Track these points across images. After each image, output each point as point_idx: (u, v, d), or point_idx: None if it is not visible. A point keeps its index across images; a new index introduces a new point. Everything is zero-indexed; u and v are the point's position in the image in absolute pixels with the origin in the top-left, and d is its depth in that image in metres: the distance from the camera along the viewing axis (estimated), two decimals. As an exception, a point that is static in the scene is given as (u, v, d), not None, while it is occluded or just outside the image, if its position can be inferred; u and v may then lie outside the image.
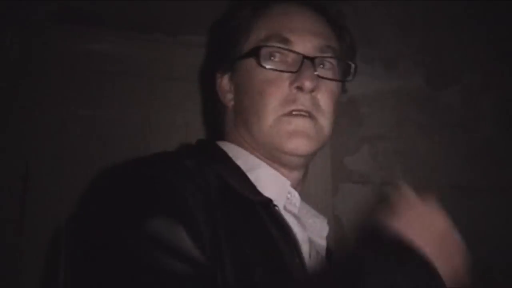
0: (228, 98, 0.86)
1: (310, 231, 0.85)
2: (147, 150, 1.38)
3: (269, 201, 0.77)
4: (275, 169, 0.83)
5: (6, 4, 1.33)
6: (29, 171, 1.36)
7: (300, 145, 0.78)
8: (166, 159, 0.72)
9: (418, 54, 1.79)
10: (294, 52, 0.79)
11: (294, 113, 0.79)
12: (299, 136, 0.78)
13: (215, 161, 0.79)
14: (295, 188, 0.84)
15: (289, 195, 0.82)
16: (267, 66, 0.79)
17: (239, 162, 0.81)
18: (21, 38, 1.35)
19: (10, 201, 1.32)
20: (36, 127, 1.39)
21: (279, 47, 0.79)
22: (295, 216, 0.81)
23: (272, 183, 0.81)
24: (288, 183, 0.82)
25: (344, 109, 1.68)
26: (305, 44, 0.80)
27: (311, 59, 0.79)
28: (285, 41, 0.80)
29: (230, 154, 0.82)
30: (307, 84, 0.77)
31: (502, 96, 1.76)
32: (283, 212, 0.79)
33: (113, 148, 1.44)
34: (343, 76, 0.85)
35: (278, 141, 0.78)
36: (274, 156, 0.82)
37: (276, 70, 0.79)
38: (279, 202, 0.79)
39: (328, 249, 0.89)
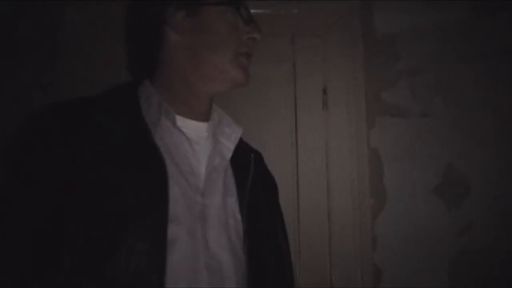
0: (181, 32, 1.01)
1: (223, 137, 1.05)
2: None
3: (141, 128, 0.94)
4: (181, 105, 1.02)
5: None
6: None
7: (248, 76, 1.03)
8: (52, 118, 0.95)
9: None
10: (248, 12, 1.05)
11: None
12: (247, 70, 1.03)
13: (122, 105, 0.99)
14: (204, 112, 1.05)
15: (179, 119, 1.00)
16: (243, 16, 1.02)
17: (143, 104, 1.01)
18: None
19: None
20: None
21: (241, 6, 1.03)
22: (183, 132, 0.98)
23: (155, 110, 0.98)
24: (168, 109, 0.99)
25: (379, 45, 1.74)
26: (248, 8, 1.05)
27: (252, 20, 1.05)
28: (243, 3, 1.03)
29: (143, 96, 1.02)
30: (258, 37, 1.04)
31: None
32: (171, 129, 0.98)
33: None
34: None
35: (234, 70, 1.00)
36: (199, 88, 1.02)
37: (244, 20, 1.02)
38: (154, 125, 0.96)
39: (236, 150, 1.06)
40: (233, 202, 1.00)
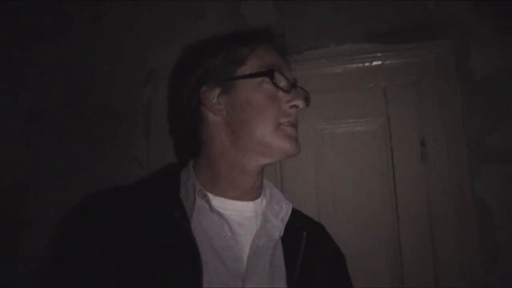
0: (217, 110, 1.01)
1: (272, 215, 1.01)
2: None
3: (171, 210, 0.93)
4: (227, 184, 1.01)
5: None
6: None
7: (296, 147, 0.98)
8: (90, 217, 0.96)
9: None
10: (288, 79, 1.01)
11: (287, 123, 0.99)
12: (296, 140, 0.99)
13: (161, 191, 1.00)
14: (250, 189, 1.01)
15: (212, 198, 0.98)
16: (280, 85, 0.99)
17: (182, 187, 1.00)
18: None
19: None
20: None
21: (280, 74, 1.00)
22: (221, 214, 0.96)
23: (191, 194, 0.97)
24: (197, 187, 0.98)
25: (478, 87, 1.64)
26: (290, 75, 1.02)
27: (294, 86, 1.02)
28: (282, 71, 1.00)
29: (183, 178, 1.02)
30: (302, 105, 1.00)
31: None
32: (208, 212, 0.96)
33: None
34: None
35: (278, 141, 0.97)
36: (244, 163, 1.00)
37: (282, 89, 0.99)
38: (190, 208, 0.95)
39: (288, 227, 1.02)
40: (281, 283, 0.95)
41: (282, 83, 0.99)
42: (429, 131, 1.62)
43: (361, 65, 1.66)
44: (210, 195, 0.98)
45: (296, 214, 1.06)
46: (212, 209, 0.96)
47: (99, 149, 1.69)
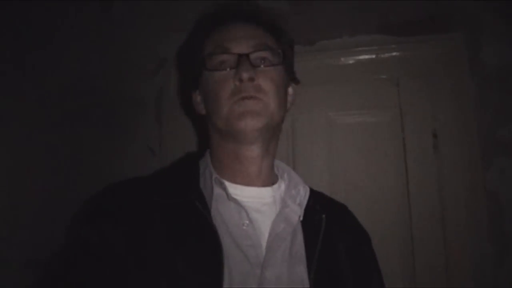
0: (201, 108, 1.06)
1: (290, 200, 1.00)
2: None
3: (190, 200, 0.92)
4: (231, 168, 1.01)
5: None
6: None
7: (250, 122, 0.94)
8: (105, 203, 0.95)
9: None
10: (231, 53, 0.97)
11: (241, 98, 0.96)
12: (249, 114, 0.94)
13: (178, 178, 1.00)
14: (257, 175, 1.00)
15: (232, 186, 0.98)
16: (220, 66, 0.98)
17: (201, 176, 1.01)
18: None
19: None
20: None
21: (219, 53, 0.98)
22: (238, 201, 0.95)
23: (209, 182, 0.98)
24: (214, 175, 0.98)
25: (491, 79, 1.64)
26: (240, 46, 0.98)
27: (246, 55, 0.96)
28: (225, 48, 0.98)
29: (201, 167, 1.03)
30: (244, 75, 0.94)
31: None
32: (226, 200, 0.96)
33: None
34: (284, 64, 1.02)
35: (233, 122, 0.95)
36: (231, 142, 0.99)
37: (217, 70, 0.97)
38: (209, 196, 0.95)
39: (307, 211, 1.00)
40: (302, 269, 0.93)
41: (224, 61, 0.98)
42: (442, 123, 1.63)
43: (374, 56, 1.67)
44: (227, 183, 0.97)
45: (316, 197, 1.04)
46: (229, 197, 0.95)
47: (111, 138, 1.70)
